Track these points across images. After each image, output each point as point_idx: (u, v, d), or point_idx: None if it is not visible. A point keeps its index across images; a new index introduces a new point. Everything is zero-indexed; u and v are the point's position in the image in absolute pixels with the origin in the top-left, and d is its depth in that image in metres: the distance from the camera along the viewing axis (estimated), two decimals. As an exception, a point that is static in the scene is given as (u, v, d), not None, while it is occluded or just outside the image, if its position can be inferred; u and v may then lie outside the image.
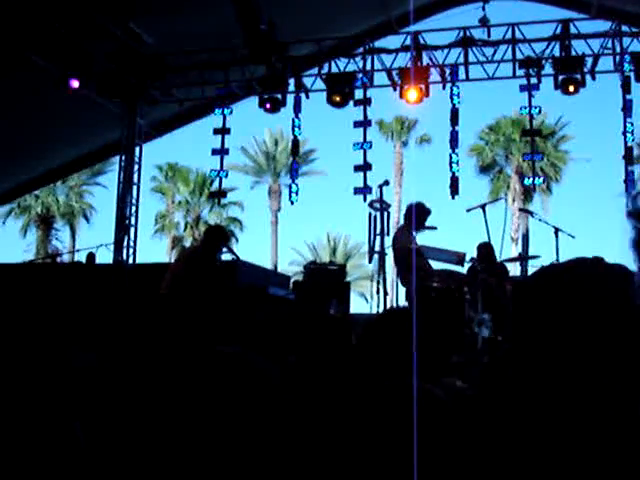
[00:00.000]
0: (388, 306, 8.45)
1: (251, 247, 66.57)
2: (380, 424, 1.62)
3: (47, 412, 1.88)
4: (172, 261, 16.12)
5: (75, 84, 13.11)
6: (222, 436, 1.36)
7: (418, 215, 9.21)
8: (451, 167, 13.40)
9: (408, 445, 1.47)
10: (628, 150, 13.00)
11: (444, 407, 1.51)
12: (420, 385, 1.76)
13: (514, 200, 33.33)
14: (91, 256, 12.70)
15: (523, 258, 11.56)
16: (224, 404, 1.38)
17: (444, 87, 13.59)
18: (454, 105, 13.44)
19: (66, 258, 27.77)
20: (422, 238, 9.43)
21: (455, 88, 13.43)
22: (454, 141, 13.47)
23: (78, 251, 12.46)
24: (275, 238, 37.21)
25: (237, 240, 37.55)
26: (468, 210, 9.00)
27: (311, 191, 65.02)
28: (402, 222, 10.19)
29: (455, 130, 13.45)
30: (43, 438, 1.82)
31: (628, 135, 12.97)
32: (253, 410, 1.40)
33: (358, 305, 38.03)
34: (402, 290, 9.02)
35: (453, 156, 13.46)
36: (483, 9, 13.15)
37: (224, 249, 9.21)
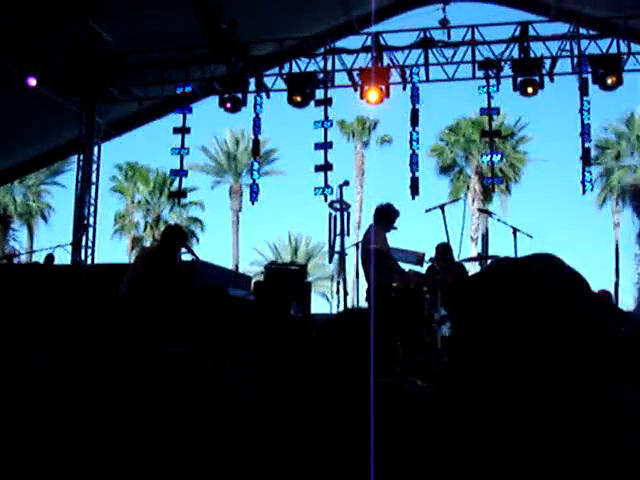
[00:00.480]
0: (349, 306, 8.47)
1: (212, 247, 66.22)
2: (337, 421, 1.62)
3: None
4: (131, 262, 16.01)
5: (33, 82, 12.92)
6: (171, 434, 1.34)
7: (388, 216, 9.25)
8: (411, 168, 13.48)
9: (365, 441, 1.48)
10: (585, 151, 13.20)
11: (400, 399, 1.51)
12: (375, 380, 1.76)
13: (474, 200, 33.63)
14: (50, 257, 12.54)
15: (482, 258, 11.67)
16: (172, 403, 1.36)
17: (404, 88, 13.66)
18: (414, 106, 13.51)
19: (24, 259, 27.41)
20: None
21: (415, 89, 13.51)
22: (414, 142, 13.55)
23: (35, 252, 12.29)
24: (236, 238, 37.08)
25: (198, 240, 37.39)
26: (427, 210, 9.04)
27: (272, 191, 65.01)
28: (368, 222, 10.24)
29: (415, 131, 13.53)
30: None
31: (585, 136, 13.16)
32: (202, 409, 1.38)
33: (319, 305, 38.09)
34: (363, 290, 9.05)
35: (413, 157, 13.54)
36: (443, 10, 13.24)
37: (183, 249, 9.13)
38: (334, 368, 2.28)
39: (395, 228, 9.41)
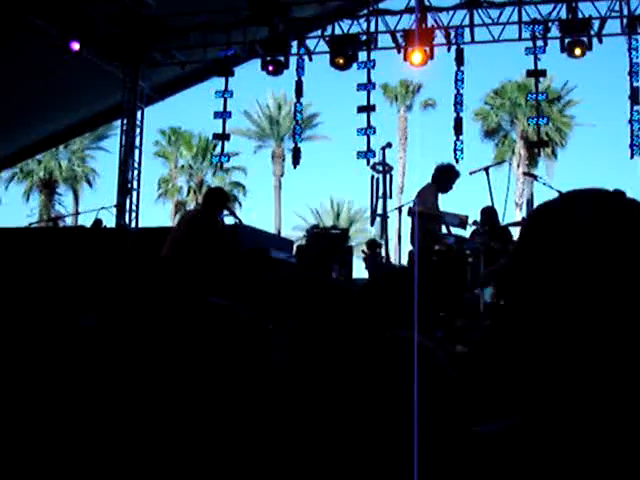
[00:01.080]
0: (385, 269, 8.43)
1: (254, 212, 66.56)
2: (376, 378, 1.59)
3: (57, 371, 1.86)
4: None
5: (76, 47, 12.98)
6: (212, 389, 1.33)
7: (449, 176, 9.15)
8: (455, 131, 13.30)
9: (404, 399, 1.45)
10: (634, 90, 12.73)
11: (434, 358, 1.48)
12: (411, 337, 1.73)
13: (519, 165, 33.16)
14: (98, 222, 12.65)
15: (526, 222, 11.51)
16: (215, 354, 1.35)
17: (449, 50, 13.44)
18: (459, 68, 13.30)
19: (69, 222, 27.83)
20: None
21: (460, 51, 13.28)
22: (458, 105, 13.36)
23: (80, 214, 12.45)
24: (278, 203, 37.16)
25: (240, 205, 37.52)
26: (471, 173, 8.92)
27: (315, 155, 64.89)
28: (412, 185, 10.11)
29: (460, 93, 13.33)
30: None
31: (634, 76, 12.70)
32: (243, 361, 1.37)
33: (361, 270, 38.12)
34: (405, 253, 9.01)
35: (457, 120, 13.35)
36: (489, -30, 12.96)
37: (226, 212, 9.17)
38: (372, 329, 2.26)
39: (451, 189, 9.28)
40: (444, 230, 8.86)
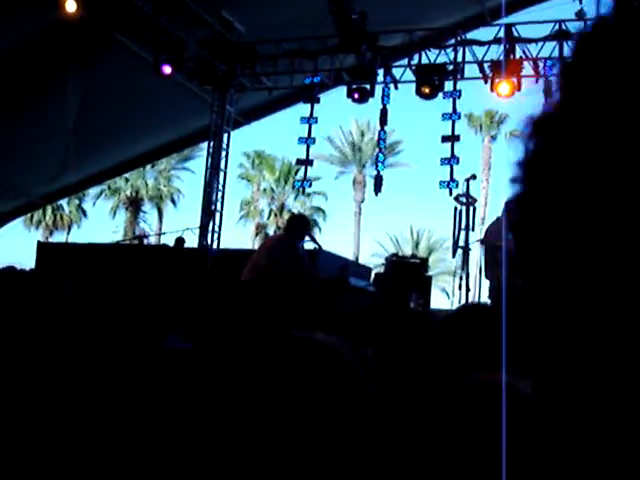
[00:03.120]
0: (470, 302, 8.33)
1: (334, 237, 66.72)
2: (461, 422, 1.58)
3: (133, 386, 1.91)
4: (256, 247, 16.28)
5: (168, 70, 13.34)
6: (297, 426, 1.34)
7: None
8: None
9: (491, 444, 1.43)
10: None
11: (526, 403, 1.45)
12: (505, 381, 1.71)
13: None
14: (180, 240, 12.91)
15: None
16: (302, 390, 1.36)
17: (537, 81, 13.27)
18: (546, 99, 13.07)
19: (152, 240, 28.44)
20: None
21: (548, 82, 13.09)
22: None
23: (164, 233, 12.71)
24: (357, 229, 37.22)
25: (320, 230, 37.75)
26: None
27: (396, 183, 64.74)
28: (494, 216, 9.98)
29: (547, 125, 13.11)
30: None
31: None
32: (330, 393, 1.37)
33: (439, 300, 37.74)
34: (484, 286, 8.88)
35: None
36: (580, 2, 12.76)
37: (307, 238, 9.23)
38: (452, 363, 2.23)
39: None
40: None
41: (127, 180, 38.05)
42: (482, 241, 9.01)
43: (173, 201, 40.43)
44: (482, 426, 1.48)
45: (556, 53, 13.04)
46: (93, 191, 36.93)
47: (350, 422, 1.38)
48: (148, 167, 36.07)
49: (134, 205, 39.18)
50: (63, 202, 37.88)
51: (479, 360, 1.98)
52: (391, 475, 1.68)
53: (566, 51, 12.86)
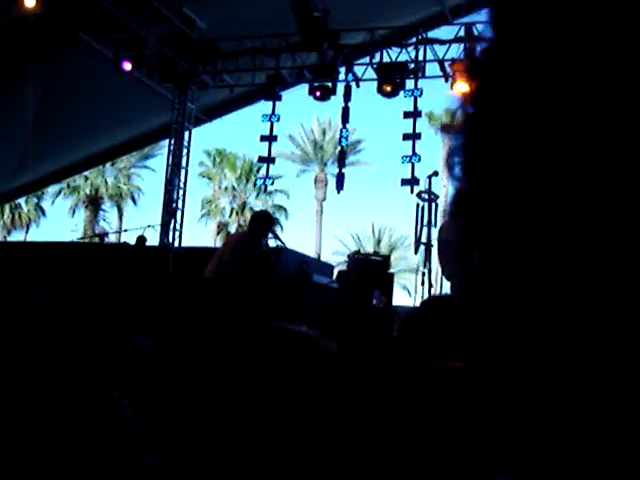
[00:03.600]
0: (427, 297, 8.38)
1: (295, 235, 66.78)
2: (416, 409, 1.59)
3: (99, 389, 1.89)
4: (218, 246, 16.22)
5: (128, 67, 13.22)
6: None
7: None
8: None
9: (445, 429, 1.45)
10: None
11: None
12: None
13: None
14: (141, 239, 12.82)
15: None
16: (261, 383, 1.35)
17: (497, 80, 13.39)
18: (506, 99, 13.23)
19: (113, 238, 28.17)
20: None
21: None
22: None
23: (126, 231, 12.61)
24: (319, 227, 37.27)
25: (282, 228, 37.72)
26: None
27: (357, 181, 64.98)
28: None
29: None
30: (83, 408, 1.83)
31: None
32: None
33: (401, 298, 37.96)
34: (446, 283, 8.95)
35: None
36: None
37: (270, 235, 9.22)
38: (420, 355, 2.25)
39: None
40: None
41: (87, 178, 37.68)
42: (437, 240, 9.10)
43: (133, 199, 40.17)
44: (436, 412, 1.50)
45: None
46: (52, 189, 36.53)
47: (331, 412, 1.39)
48: (108, 165, 35.77)
49: (94, 204, 38.80)
50: (21, 201, 37.38)
51: (447, 351, 2.00)
52: (363, 463, 1.69)
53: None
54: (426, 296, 8.52)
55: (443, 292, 8.82)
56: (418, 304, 8.97)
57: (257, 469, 1.29)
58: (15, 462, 1.74)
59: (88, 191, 38.52)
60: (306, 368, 1.37)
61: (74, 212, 39.36)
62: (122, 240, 14.61)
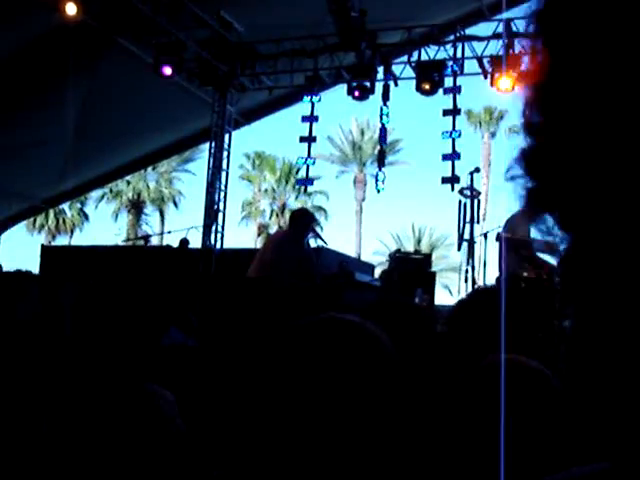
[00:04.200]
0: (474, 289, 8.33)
1: (335, 236, 66.77)
2: (483, 401, 1.60)
3: (140, 387, 1.91)
4: (259, 247, 16.29)
5: (168, 71, 13.35)
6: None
7: None
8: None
9: (514, 423, 1.45)
10: None
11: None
12: (513, 359, 1.73)
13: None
14: (184, 241, 12.92)
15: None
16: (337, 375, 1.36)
17: (537, 75, 13.26)
18: (546, 94, 13.11)
19: (155, 241, 28.44)
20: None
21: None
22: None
23: (169, 233, 12.71)
24: (359, 227, 37.25)
25: (322, 229, 37.74)
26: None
27: (397, 181, 64.77)
28: (495, 212, 9.96)
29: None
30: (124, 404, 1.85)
31: None
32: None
33: (442, 297, 37.78)
34: (490, 280, 8.89)
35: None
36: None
37: (311, 234, 9.21)
38: (471, 344, 2.25)
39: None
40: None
41: (129, 183, 38.11)
42: (498, 236, 9.01)
43: (175, 203, 40.51)
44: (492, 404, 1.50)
45: (555, 47, 13.04)
46: (95, 194, 37.02)
47: (389, 401, 1.40)
48: (149, 169, 36.14)
49: (136, 208, 39.23)
50: (65, 206, 37.92)
51: (496, 341, 2.00)
52: (418, 456, 1.70)
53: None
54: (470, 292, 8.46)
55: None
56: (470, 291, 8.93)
57: (316, 463, 1.30)
58: (51, 458, 1.79)
59: (130, 195, 38.96)
60: (363, 356, 1.38)
61: (117, 216, 39.88)
62: (165, 243, 14.71)
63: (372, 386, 1.36)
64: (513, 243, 8.58)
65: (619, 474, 0.56)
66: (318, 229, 9.85)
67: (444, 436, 1.80)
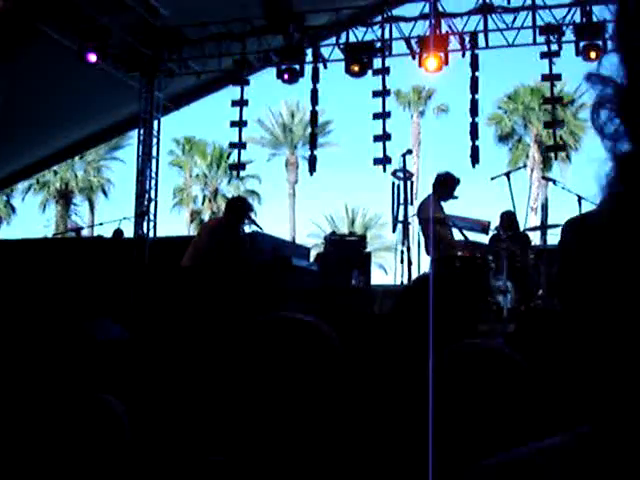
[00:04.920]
0: (413, 275, 8.43)
1: (270, 219, 66.68)
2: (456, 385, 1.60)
3: (73, 384, 1.87)
4: (192, 234, 16.15)
5: (93, 58, 13.06)
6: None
7: (449, 184, 9.20)
8: (472, 136, 13.27)
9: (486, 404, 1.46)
10: None
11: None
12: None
13: (533, 169, 33.10)
14: (118, 232, 12.71)
15: (546, 227, 11.50)
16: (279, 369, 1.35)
17: (464, 55, 13.43)
18: (474, 73, 13.29)
19: (86, 233, 27.93)
20: (445, 207, 9.42)
21: (474, 56, 13.27)
22: (474, 110, 13.33)
23: (101, 224, 12.49)
24: (293, 210, 37.25)
25: (255, 213, 37.53)
26: (493, 178, 8.96)
27: (329, 163, 64.84)
28: (426, 191, 10.14)
29: (475, 99, 13.31)
30: (73, 412, 1.81)
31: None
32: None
33: (377, 277, 38.07)
34: (425, 259, 9.00)
35: (473, 125, 13.33)
36: (503, -25, 12.94)
37: (247, 220, 9.19)
38: (419, 331, 2.26)
39: (455, 197, 9.34)
40: (460, 236, 8.89)
41: (56, 173, 37.27)
42: (418, 218, 9.15)
43: (104, 192, 39.79)
44: (475, 388, 1.51)
45: (481, 27, 13.21)
46: (21, 186, 36.09)
47: (336, 395, 1.39)
48: (77, 159, 35.40)
49: (64, 198, 38.43)
50: (-10, 198, 36.96)
51: (444, 326, 2.01)
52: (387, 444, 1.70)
53: (490, 25, 13.05)
54: (405, 274, 8.55)
55: (420, 270, 8.86)
56: (397, 282, 9.02)
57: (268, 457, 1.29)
58: (7, 467, 1.73)
59: (58, 186, 38.13)
60: (310, 353, 1.37)
61: (45, 208, 39.00)
62: (95, 234, 14.45)
63: (319, 382, 1.35)
64: (435, 223, 8.74)
65: (600, 437, 0.64)
66: (253, 215, 9.80)
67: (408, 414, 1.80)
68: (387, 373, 2.15)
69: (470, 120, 13.31)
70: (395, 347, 2.36)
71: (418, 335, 2.25)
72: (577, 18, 12.82)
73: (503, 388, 1.51)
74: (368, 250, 12.10)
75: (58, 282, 11.22)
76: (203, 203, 39.43)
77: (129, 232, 13.96)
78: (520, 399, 1.49)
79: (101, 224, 12.26)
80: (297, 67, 13.88)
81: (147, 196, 14.64)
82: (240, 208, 8.93)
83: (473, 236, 8.74)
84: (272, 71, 14.13)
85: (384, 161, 13.21)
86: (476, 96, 13.30)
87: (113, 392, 1.96)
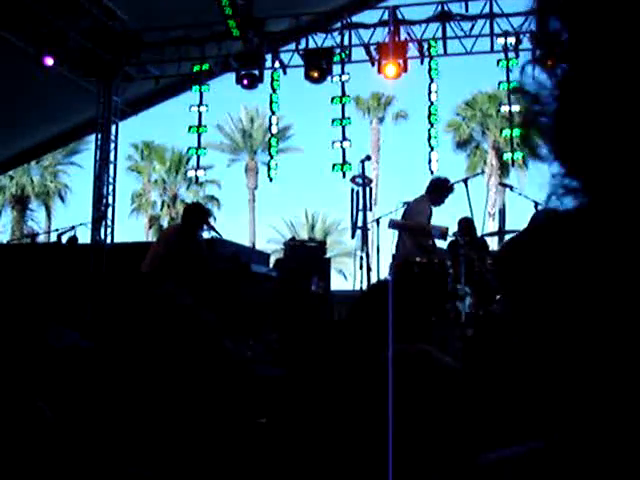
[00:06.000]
0: (372, 281, 8.46)
1: (229, 225, 66.45)
2: (366, 392, 1.61)
3: (18, 391, 1.85)
4: (150, 240, 16.03)
5: (50, 62, 12.92)
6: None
7: (442, 191, 9.22)
8: (430, 142, 13.40)
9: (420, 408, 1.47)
10: None
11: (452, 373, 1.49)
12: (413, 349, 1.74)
13: (491, 175, 33.45)
14: (73, 239, 12.55)
15: (503, 232, 11.61)
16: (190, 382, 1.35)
17: (422, 62, 13.55)
18: (432, 80, 13.42)
19: (42, 239, 27.56)
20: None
21: (433, 63, 13.40)
22: (433, 116, 13.46)
23: (57, 230, 12.33)
24: (252, 216, 37.16)
25: (215, 219, 37.43)
26: (451, 184, 9.03)
27: (289, 168, 64.84)
28: (385, 197, 10.12)
29: (433, 105, 13.44)
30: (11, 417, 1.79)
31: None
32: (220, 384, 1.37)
33: (337, 282, 38.12)
34: (384, 266, 9.04)
35: (431, 131, 13.46)
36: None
37: (205, 227, 9.16)
38: (372, 338, 2.27)
39: (443, 203, 9.36)
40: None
41: (11, 178, 36.74)
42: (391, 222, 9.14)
43: (61, 197, 39.29)
44: (410, 392, 1.52)
45: (439, 34, 13.33)
46: (-25, 191, 35.56)
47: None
48: (33, 163, 34.93)
49: (20, 203, 37.86)
50: (-56, 204, 36.32)
51: (398, 331, 2.02)
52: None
53: (449, 32, 13.17)
54: (365, 279, 8.58)
55: (380, 276, 8.90)
56: (357, 288, 9.04)
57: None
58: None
59: (14, 191, 37.59)
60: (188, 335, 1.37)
61: (0, 213, 38.42)
62: (52, 240, 14.25)
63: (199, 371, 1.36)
64: (412, 230, 8.77)
65: (554, 451, 0.62)
66: (212, 220, 9.77)
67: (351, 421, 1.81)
68: (340, 379, 2.15)
69: (428, 126, 13.44)
70: (348, 354, 2.37)
71: (371, 341, 2.25)
72: (534, 26, 12.99)
73: (432, 391, 1.52)
74: (328, 256, 12.14)
75: (13, 289, 11.06)
76: (162, 209, 39.13)
77: (86, 238, 13.81)
78: (451, 401, 1.50)
79: (57, 230, 12.07)
80: (256, 72, 13.86)
81: (105, 201, 14.50)
82: (197, 214, 8.90)
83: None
84: (232, 77, 14.10)
85: (344, 167, 13.28)
86: (435, 103, 13.44)
87: (64, 398, 1.94)
